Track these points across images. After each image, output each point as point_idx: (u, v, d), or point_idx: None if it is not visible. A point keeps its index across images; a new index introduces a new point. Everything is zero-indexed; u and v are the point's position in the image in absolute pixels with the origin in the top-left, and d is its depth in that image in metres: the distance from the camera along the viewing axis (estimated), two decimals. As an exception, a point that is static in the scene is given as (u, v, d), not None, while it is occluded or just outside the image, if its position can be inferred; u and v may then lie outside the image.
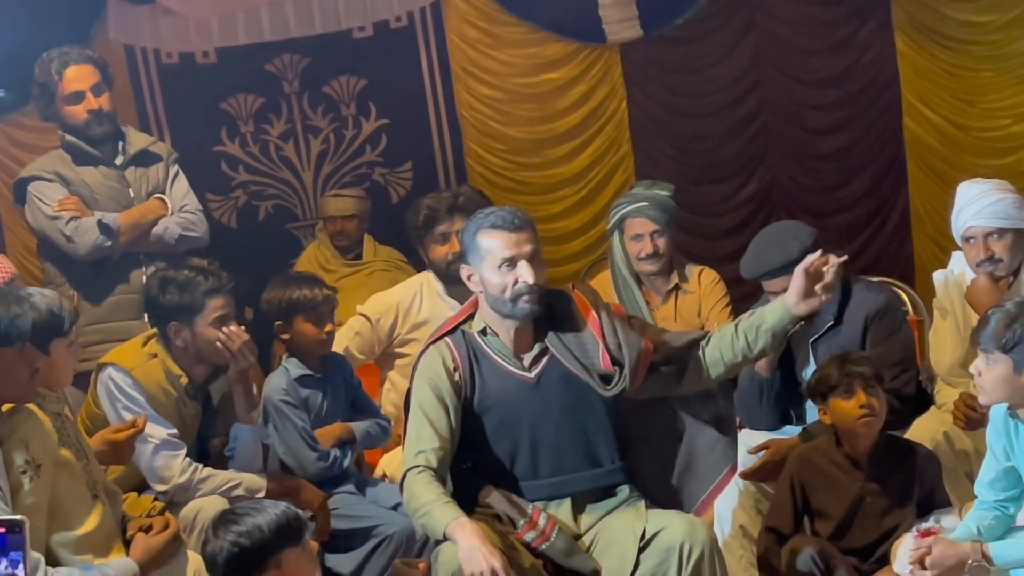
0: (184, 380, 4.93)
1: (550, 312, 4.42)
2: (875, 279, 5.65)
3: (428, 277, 6.06)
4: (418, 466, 4.25)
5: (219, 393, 5.04)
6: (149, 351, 4.95)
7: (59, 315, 4.10)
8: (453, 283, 5.94)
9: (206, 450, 5.02)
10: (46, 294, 4.16)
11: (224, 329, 4.86)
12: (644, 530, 4.27)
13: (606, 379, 4.36)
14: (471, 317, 4.50)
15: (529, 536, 4.29)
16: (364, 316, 6.00)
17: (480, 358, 4.43)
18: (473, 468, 4.47)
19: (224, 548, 3.70)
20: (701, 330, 4.53)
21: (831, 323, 5.27)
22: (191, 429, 4.98)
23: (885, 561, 4.65)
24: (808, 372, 5.32)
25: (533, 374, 4.41)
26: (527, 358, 4.44)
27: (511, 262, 4.30)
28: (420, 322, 5.95)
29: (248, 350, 4.91)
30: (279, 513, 3.74)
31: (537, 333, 4.44)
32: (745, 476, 5.21)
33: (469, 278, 4.42)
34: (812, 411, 5.31)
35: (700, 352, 4.48)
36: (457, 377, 4.40)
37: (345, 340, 5.87)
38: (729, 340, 4.45)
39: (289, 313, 5.32)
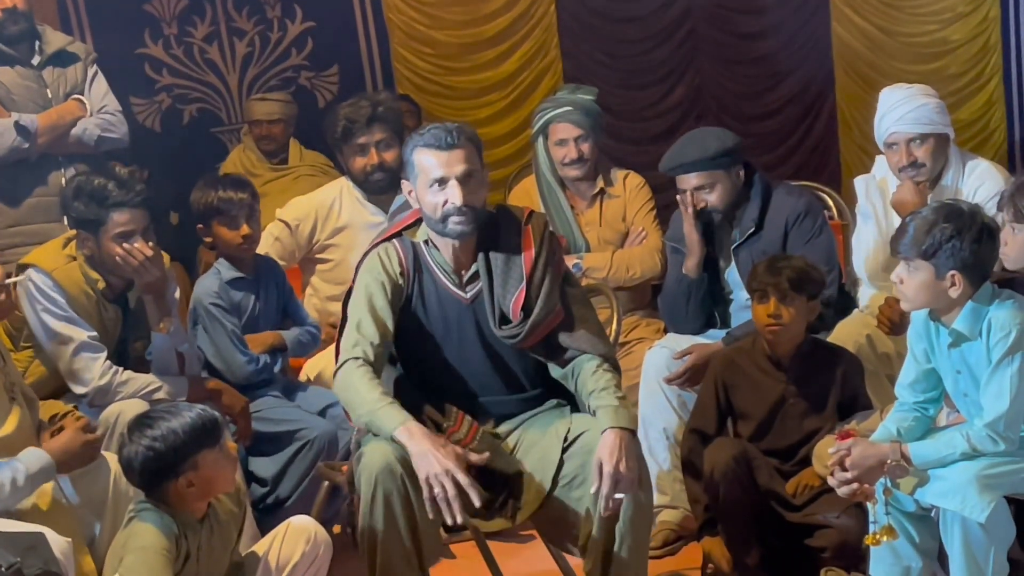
0: (101, 284, 4.88)
1: (494, 233, 4.34)
2: (797, 183, 5.65)
3: (347, 182, 6.00)
4: (357, 358, 4.17)
5: (135, 298, 4.98)
6: (69, 253, 4.88)
7: None
8: (372, 192, 5.89)
9: (126, 353, 4.98)
10: None
11: (125, 245, 4.79)
12: (568, 431, 4.27)
13: (506, 320, 4.29)
14: (416, 224, 4.41)
15: (454, 438, 4.28)
16: (283, 222, 5.93)
17: (423, 267, 4.35)
18: (405, 374, 4.44)
19: (139, 452, 3.72)
20: (594, 355, 4.36)
21: (752, 230, 5.28)
22: (112, 333, 4.93)
23: (807, 462, 4.68)
24: (730, 276, 5.35)
25: (468, 294, 4.34)
26: (465, 275, 4.35)
27: (442, 182, 4.20)
28: (340, 227, 5.90)
29: (151, 265, 4.83)
30: (194, 415, 3.74)
31: (477, 251, 4.34)
32: (669, 380, 5.24)
33: (409, 194, 4.34)
34: (736, 315, 5.36)
35: (577, 365, 4.31)
36: (401, 280, 4.32)
37: (265, 246, 5.81)
38: (584, 387, 4.26)
39: (207, 216, 5.31)
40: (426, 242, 4.35)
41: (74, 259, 4.88)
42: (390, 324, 4.26)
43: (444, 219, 4.22)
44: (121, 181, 4.85)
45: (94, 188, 4.80)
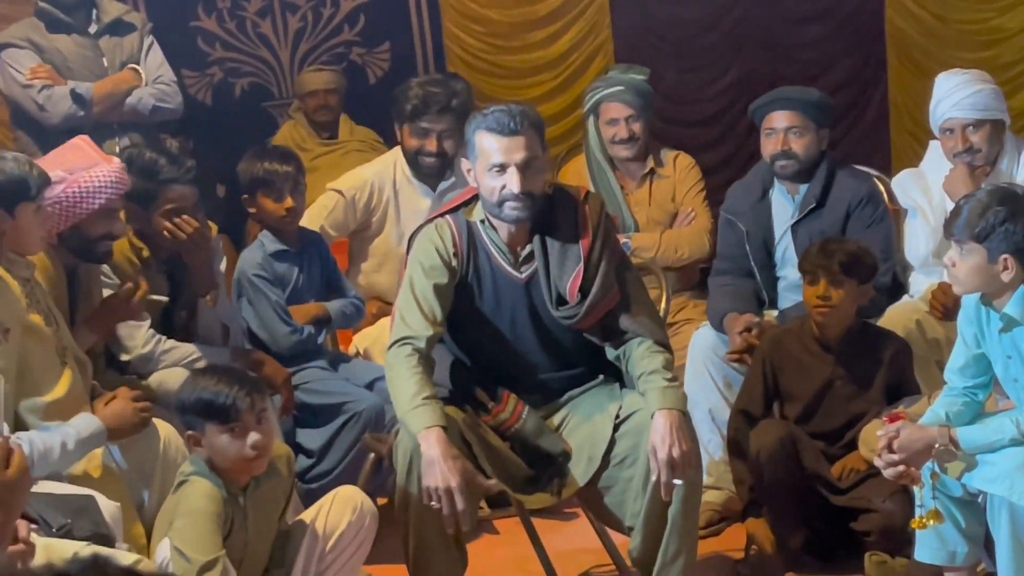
0: (146, 253, 4.90)
1: (551, 213, 4.30)
2: (861, 168, 5.65)
3: (401, 159, 6.01)
4: (407, 344, 4.15)
5: (180, 268, 5.00)
6: (115, 221, 4.91)
7: (24, 179, 4.06)
8: (421, 173, 5.90)
9: (172, 322, 5.00)
10: (17, 158, 4.13)
11: (175, 219, 4.81)
12: (619, 410, 4.27)
13: (563, 301, 4.28)
14: (472, 200, 4.39)
15: (499, 418, 4.29)
16: (338, 191, 5.95)
17: (478, 247, 4.33)
18: (453, 352, 4.44)
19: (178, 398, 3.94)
20: (647, 338, 4.27)
21: (813, 206, 5.29)
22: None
23: (853, 446, 4.69)
24: (783, 253, 5.35)
25: (523, 274, 4.32)
26: (521, 255, 4.33)
27: (501, 167, 4.16)
28: (389, 201, 5.94)
29: (199, 240, 4.85)
30: (209, 393, 3.82)
31: (533, 232, 4.32)
32: (731, 355, 5.20)
33: (467, 172, 4.32)
34: (783, 296, 5.37)
35: (629, 347, 4.30)
36: (455, 262, 4.29)
37: (319, 219, 5.84)
38: (635, 370, 4.26)
39: (252, 187, 5.33)
40: (482, 221, 4.32)
41: (120, 227, 4.90)
42: (442, 310, 4.23)
43: (501, 203, 4.20)
44: (173, 157, 4.87)
45: (145, 162, 4.82)
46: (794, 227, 5.35)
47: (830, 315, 4.74)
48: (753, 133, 5.64)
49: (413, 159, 5.88)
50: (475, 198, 4.36)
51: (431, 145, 5.82)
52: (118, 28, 6.07)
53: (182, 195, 4.82)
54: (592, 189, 5.94)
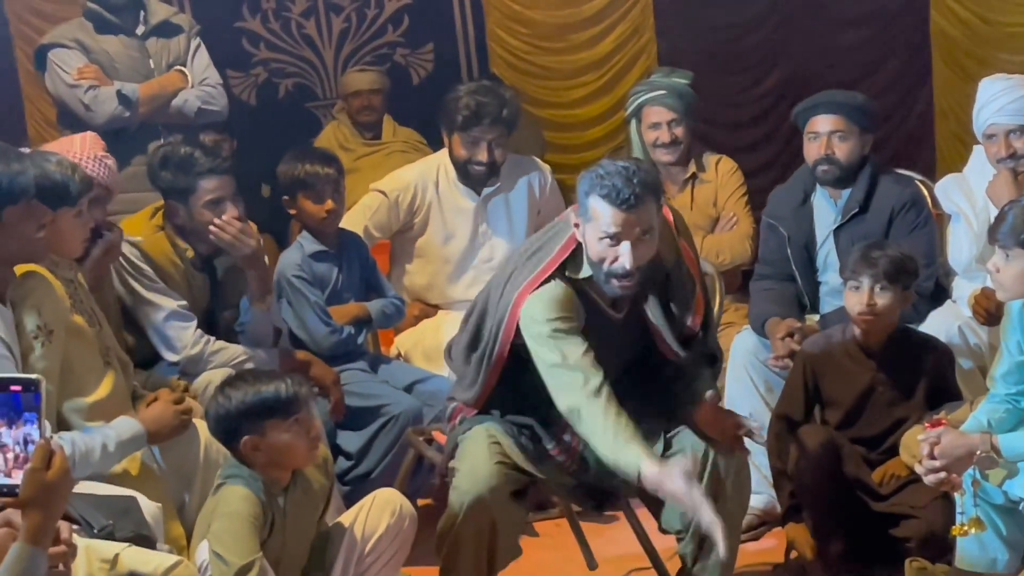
0: (190, 253, 4.93)
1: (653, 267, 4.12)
2: (903, 172, 5.62)
3: (445, 162, 6.01)
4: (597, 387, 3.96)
5: (223, 267, 5.02)
6: (157, 223, 4.94)
7: (63, 182, 4.06)
8: (469, 180, 5.91)
9: (215, 323, 5.02)
10: (62, 161, 4.14)
11: (222, 217, 4.81)
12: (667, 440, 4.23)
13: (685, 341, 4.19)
14: (575, 254, 4.12)
15: (557, 460, 4.26)
16: (381, 192, 5.96)
17: (584, 299, 4.13)
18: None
19: (212, 407, 3.84)
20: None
21: (856, 211, 5.27)
22: (200, 302, 4.98)
23: (894, 452, 4.66)
24: (825, 258, 5.34)
25: (621, 314, 4.20)
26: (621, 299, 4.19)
27: (615, 238, 3.94)
28: (432, 204, 5.96)
29: (245, 236, 4.85)
30: (272, 388, 3.78)
31: None
32: (774, 360, 5.18)
33: (575, 226, 4.09)
34: (824, 300, 5.35)
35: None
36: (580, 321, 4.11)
37: (363, 219, 5.86)
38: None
39: (292, 188, 5.37)
40: (588, 278, 4.12)
41: (162, 228, 4.93)
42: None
43: (608, 277, 4.01)
44: (207, 149, 4.93)
45: (181, 157, 4.86)
46: (836, 232, 5.33)
47: (873, 322, 4.71)
48: (796, 136, 5.62)
49: (463, 168, 5.88)
50: (577, 252, 4.13)
51: (482, 155, 5.81)
52: (165, 30, 6.11)
53: (220, 185, 4.86)
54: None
